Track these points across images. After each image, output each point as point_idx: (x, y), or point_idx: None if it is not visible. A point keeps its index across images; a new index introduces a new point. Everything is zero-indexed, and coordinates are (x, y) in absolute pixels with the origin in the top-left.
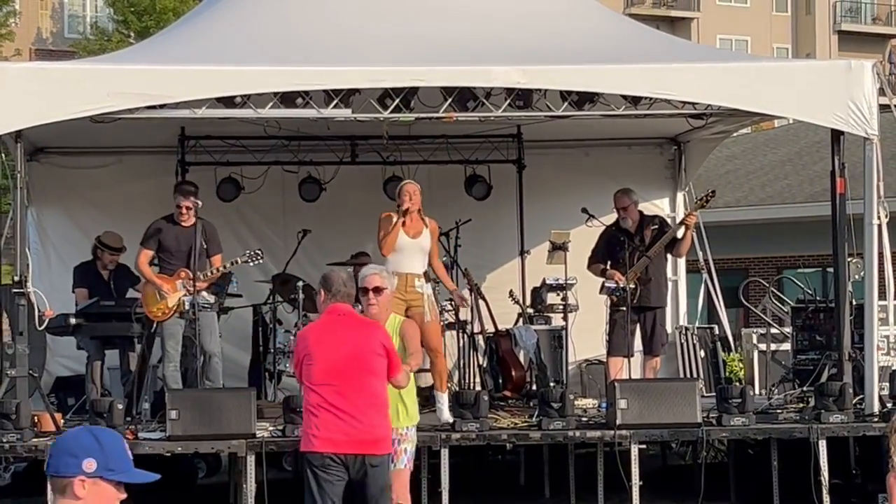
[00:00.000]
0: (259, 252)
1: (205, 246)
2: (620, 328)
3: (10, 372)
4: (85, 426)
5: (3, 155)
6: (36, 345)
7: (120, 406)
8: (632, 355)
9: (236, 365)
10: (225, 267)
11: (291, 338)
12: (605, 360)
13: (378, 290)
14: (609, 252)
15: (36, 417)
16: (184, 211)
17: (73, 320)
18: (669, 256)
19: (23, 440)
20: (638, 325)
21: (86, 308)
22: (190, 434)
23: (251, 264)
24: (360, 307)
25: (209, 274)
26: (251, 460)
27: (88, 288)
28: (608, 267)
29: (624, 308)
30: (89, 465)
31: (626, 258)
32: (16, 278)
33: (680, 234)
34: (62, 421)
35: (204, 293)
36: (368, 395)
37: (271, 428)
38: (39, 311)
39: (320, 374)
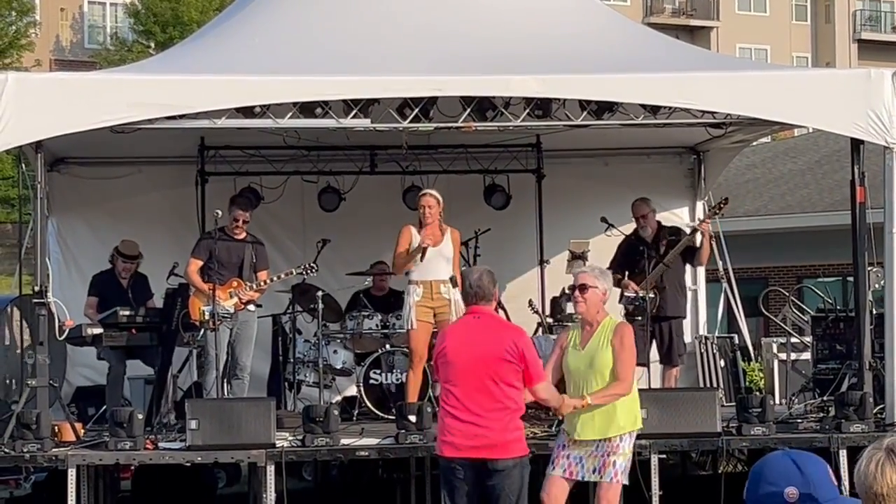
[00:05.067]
0: (314, 265)
1: (254, 260)
2: (638, 338)
3: (30, 382)
4: (785, 451)
5: (23, 165)
6: (56, 355)
7: (140, 416)
8: (646, 365)
9: (255, 375)
10: (279, 278)
11: (311, 348)
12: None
13: (584, 288)
14: (626, 262)
15: (56, 427)
16: (240, 224)
17: (90, 331)
18: (688, 267)
19: (43, 450)
20: (655, 336)
21: (104, 318)
22: (210, 444)
23: (306, 276)
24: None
25: (261, 285)
26: (271, 470)
27: (106, 297)
28: (624, 277)
29: (640, 318)
30: (791, 493)
31: (643, 267)
32: (36, 288)
33: (697, 241)
34: (82, 431)
35: (251, 305)
36: (491, 399)
37: (291, 438)
38: (59, 321)
39: (448, 376)
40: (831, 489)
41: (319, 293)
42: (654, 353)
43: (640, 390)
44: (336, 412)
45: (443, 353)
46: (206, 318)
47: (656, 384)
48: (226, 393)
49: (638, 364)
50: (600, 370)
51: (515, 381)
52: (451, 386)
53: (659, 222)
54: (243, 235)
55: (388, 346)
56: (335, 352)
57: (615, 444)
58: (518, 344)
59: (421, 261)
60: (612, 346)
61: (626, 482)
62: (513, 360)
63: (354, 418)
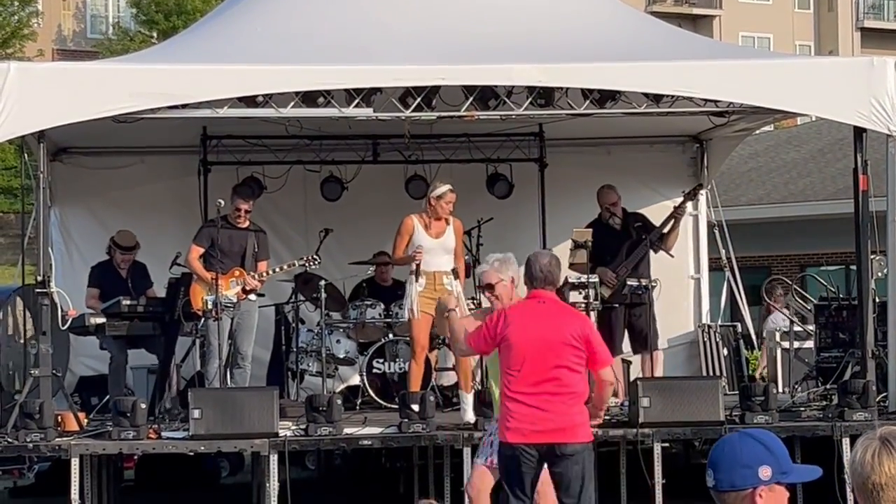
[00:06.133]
0: (316, 257)
1: (256, 249)
2: (617, 327)
3: (33, 372)
4: (740, 432)
5: (26, 155)
6: (59, 344)
7: (143, 405)
8: (620, 352)
9: (256, 363)
10: (281, 269)
11: (314, 337)
12: (625, 358)
13: (491, 287)
14: (597, 250)
15: (59, 417)
16: (242, 213)
17: (93, 320)
18: (692, 256)
19: (46, 440)
20: (632, 323)
21: (107, 308)
22: (213, 433)
23: (308, 268)
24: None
25: (263, 275)
26: (274, 459)
27: (105, 287)
28: (595, 266)
29: (617, 305)
30: (765, 472)
31: (615, 253)
32: (39, 278)
33: (667, 228)
34: (85, 421)
35: (252, 295)
36: (558, 385)
37: (294, 427)
38: (62, 310)
39: (513, 361)
40: (789, 460)
41: (322, 282)
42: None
43: (643, 379)
44: (339, 401)
45: (505, 337)
46: (209, 307)
47: (639, 373)
48: (228, 382)
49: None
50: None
51: (579, 367)
52: (515, 371)
53: (624, 209)
54: (246, 224)
55: (391, 336)
56: (338, 341)
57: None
58: (584, 329)
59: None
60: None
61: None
62: (578, 345)
63: (357, 407)
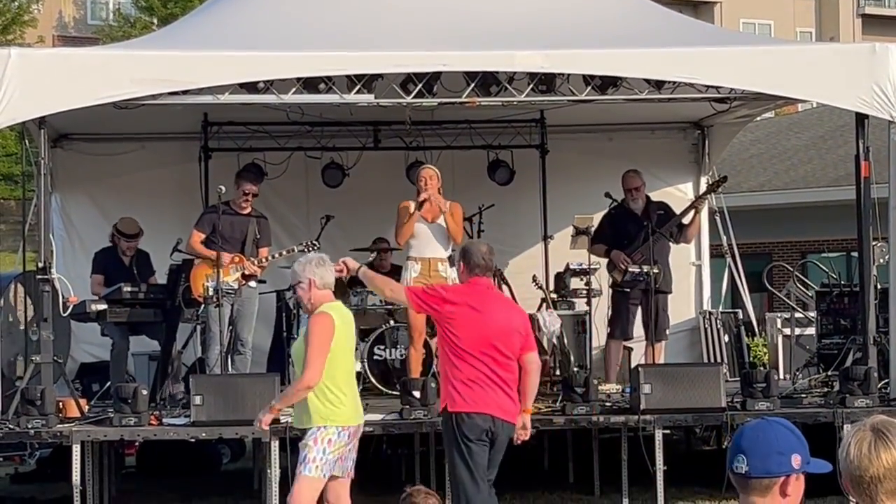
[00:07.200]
0: (316, 242)
1: (258, 236)
2: (626, 311)
3: (34, 358)
4: (767, 419)
5: (26, 141)
6: (60, 331)
7: (144, 392)
8: (630, 337)
9: (257, 349)
10: (281, 254)
11: None
12: (626, 344)
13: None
14: (615, 233)
15: (61, 403)
16: (249, 197)
17: (94, 307)
18: (693, 242)
19: (47, 426)
20: (640, 310)
21: (108, 295)
22: (214, 420)
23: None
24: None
25: (262, 262)
26: (275, 446)
27: (110, 274)
28: (611, 249)
29: (628, 290)
30: (797, 460)
31: (634, 238)
32: (40, 264)
33: (687, 219)
34: (87, 407)
35: (252, 281)
36: (510, 371)
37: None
38: (64, 297)
39: (475, 345)
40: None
41: None
42: (637, 329)
43: (644, 365)
44: None
45: (453, 314)
46: (210, 293)
47: (639, 360)
48: (229, 369)
49: (626, 339)
50: (297, 359)
51: (517, 354)
52: (483, 355)
53: (648, 196)
54: (248, 210)
55: (391, 322)
56: None
57: (307, 436)
58: (525, 319)
59: (420, 209)
60: (305, 337)
61: (314, 475)
62: (522, 333)
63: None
